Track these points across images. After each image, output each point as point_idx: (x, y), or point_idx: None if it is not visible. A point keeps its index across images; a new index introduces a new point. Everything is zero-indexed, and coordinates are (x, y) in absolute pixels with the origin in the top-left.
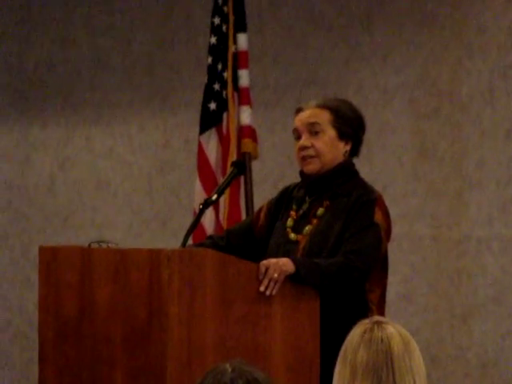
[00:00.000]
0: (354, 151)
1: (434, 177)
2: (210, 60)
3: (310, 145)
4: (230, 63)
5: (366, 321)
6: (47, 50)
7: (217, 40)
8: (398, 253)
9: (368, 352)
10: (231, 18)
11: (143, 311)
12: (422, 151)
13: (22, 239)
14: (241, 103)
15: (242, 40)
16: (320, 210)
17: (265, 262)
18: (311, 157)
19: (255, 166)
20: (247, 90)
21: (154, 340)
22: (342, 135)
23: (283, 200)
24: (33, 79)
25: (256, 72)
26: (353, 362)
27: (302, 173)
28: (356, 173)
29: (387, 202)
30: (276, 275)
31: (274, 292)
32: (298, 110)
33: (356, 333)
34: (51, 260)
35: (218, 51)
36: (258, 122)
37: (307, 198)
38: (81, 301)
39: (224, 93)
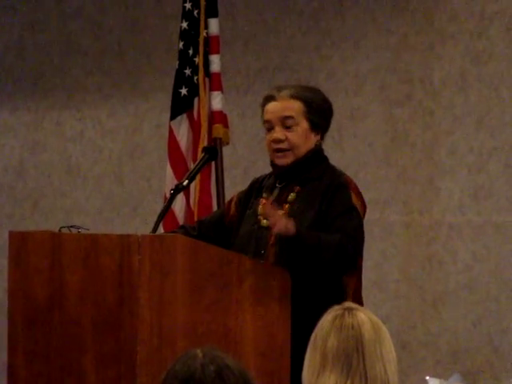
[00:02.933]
0: (322, 137)
1: (405, 163)
2: (181, 45)
3: (283, 138)
4: (201, 48)
5: (337, 307)
6: (17, 33)
7: (188, 25)
8: (368, 239)
9: (338, 338)
10: (202, 2)
11: (113, 297)
12: (394, 137)
13: None
14: (212, 88)
15: (214, 25)
16: (291, 196)
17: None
18: (285, 150)
19: (226, 151)
20: (218, 75)
21: (124, 325)
22: (315, 126)
23: (253, 190)
24: (2, 63)
25: (227, 57)
26: (323, 348)
27: (273, 164)
28: (325, 158)
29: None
30: (279, 224)
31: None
32: (269, 98)
33: (327, 319)
34: (21, 245)
35: (190, 36)
36: (230, 108)
37: (277, 185)
38: (51, 286)
39: (195, 78)
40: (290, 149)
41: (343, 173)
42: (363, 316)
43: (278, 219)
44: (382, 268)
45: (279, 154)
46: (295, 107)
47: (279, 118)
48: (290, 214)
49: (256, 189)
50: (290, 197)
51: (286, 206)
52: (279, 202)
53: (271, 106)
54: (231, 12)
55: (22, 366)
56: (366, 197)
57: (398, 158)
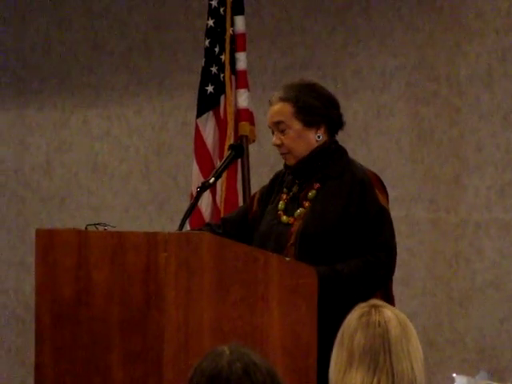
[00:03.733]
0: (333, 130)
1: (431, 160)
2: (207, 43)
3: (280, 143)
4: (227, 46)
5: (364, 304)
6: (44, 32)
7: (214, 22)
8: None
9: (365, 336)
10: (228, 0)
11: (140, 294)
12: (420, 135)
13: (18, 222)
14: (238, 86)
15: (240, 22)
16: (311, 193)
17: None
18: (285, 153)
19: (252, 148)
20: (245, 72)
21: (150, 323)
22: (309, 124)
23: (274, 185)
24: (29, 61)
25: (253, 55)
26: (350, 346)
27: (285, 163)
28: (343, 153)
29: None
30: None
31: None
32: (269, 103)
33: (353, 317)
34: (48, 243)
35: (216, 34)
36: (256, 105)
37: (296, 181)
38: (78, 284)
39: (221, 76)
40: (288, 152)
41: (364, 168)
42: (390, 313)
43: None
44: (408, 265)
45: (283, 157)
46: (284, 111)
47: (273, 124)
48: (313, 214)
49: (278, 183)
50: (310, 194)
51: (307, 203)
52: (299, 198)
53: (269, 110)
54: (257, 9)
55: (49, 363)
56: (392, 194)
57: (424, 155)
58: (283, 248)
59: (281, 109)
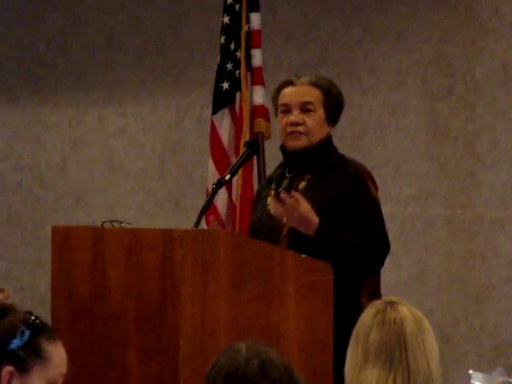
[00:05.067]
0: (332, 128)
1: (447, 157)
2: (222, 39)
3: (302, 121)
4: (242, 42)
5: (379, 301)
6: (59, 29)
7: (230, 19)
8: (411, 233)
9: (381, 333)
10: None
11: (156, 291)
12: (436, 132)
13: (33, 219)
14: (254, 83)
15: (255, 19)
16: (302, 184)
17: (305, 206)
18: (300, 133)
19: (268, 145)
20: (260, 69)
21: (166, 320)
22: (329, 116)
23: (263, 188)
24: (44, 59)
25: (269, 52)
26: (365, 343)
27: (283, 148)
28: (335, 148)
29: (400, 183)
30: (294, 217)
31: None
32: (287, 83)
33: (368, 314)
34: (64, 240)
35: (231, 30)
36: (271, 102)
37: (287, 175)
38: (93, 281)
39: (237, 72)
40: (306, 133)
41: (355, 161)
42: (405, 310)
43: (299, 215)
44: (424, 262)
45: (293, 136)
46: (315, 94)
47: (298, 103)
48: None
49: (267, 182)
50: (300, 185)
51: (297, 194)
52: (289, 191)
53: (289, 90)
54: (272, 6)
55: None
56: (408, 191)
57: (439, 152)
58: (276, 240)
59: (311, 92)
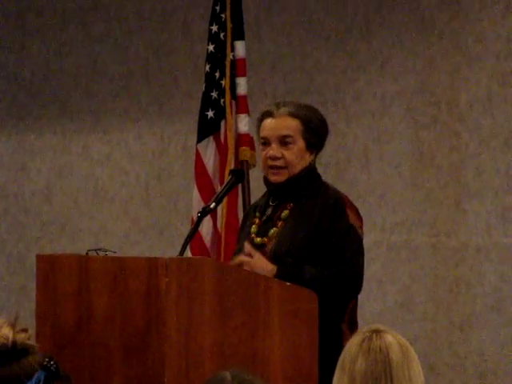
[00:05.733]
0: (315, 156)
1: (432, 185)
2: (207, 68)
3: (280, 155)
4: (227, 71)
5: (365, 328)
6: (44, 57)
7: (214, 48)
8: (396, 261)
9: (366, 361)
10: (229, 25)
11: (141, 320)
12: (420, 160)
13: (18, 247)
14: (238, 111)
15: (240, 47)
16: (285, 213)
17: (255, 259)
18: (280, 167)
19: (253, 173)
20: (245, 97)
21: (152, 348)
22: (310, 146)
23: (249, 214)
24: (29, 87)
25: (254, 80)
26: (351, 371)
27: (266, 180)
28: (318, 176)
29: (385, 211)
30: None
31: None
32: (267, 114)
33: (354, 342)
34: (49, 268)
35: (216, 59)
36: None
37: (271, 203)
38: (79, 309)
39: (222, 101)
40: (286, 166)
41: (337, 190)
42: (391, 338)
43: (253, 265)
44: (409, 290)
45: (274, 171)
46: (293, 126)
47: (276, 136)
48: (284, 231)
49: (252, 211)
50: (283, 214)
51: (280, 223)
52: (273, 220)
53: (268, 122)
54: (257, 35)
55: None
56: (393, 219)
57: (424, 180)
58: None
59: (290, 124)
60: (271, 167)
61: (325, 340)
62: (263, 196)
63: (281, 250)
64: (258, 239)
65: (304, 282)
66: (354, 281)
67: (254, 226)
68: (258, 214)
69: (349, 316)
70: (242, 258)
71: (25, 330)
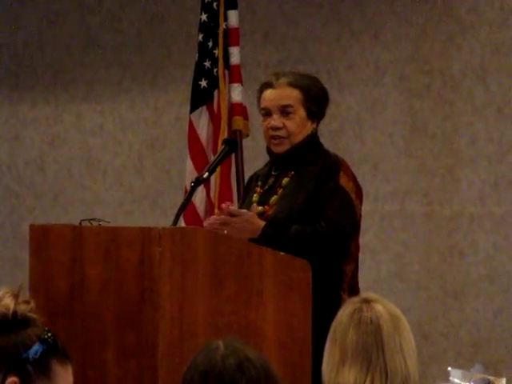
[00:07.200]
0: (317, 124)
1: (425, 154)
2: (200, 37)
3: (281, 125)
4: (220, 40)
5: (356, 299)
6: (36, 28)
7: (207, 17)
8: (389, 230)
9: (357, 333)
10: None
11: (134, 289)
12: (414, 128)
13: (11, 217)
14: (232, 81)
15: (233, 17)
16: (285, 180)
17: (243, 212)
18: (281, 137)
19: (246, 143)
20: (238, 67)
21: (145, 318)
22: (311, 114)
23: (250, 186)
24: (22, 57)
25: (247, 49)
26: (342, 343)
27: (269, 150)
28: (320, 144)
29: (379, 180)
30: (233, 229)
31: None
32: (267, 86)
33: (345, 313)
34: (42, 238)
35: (209, 28)
36: (249, 100)
37: (273, 173)
38: (72, 279)
39: (215, 70)
40: (287, 136)
41: (337, 155)
42: (381, 308)
43: (240, 221)
44: (402, 259)
45: (276, 142)
46: (293, 95)
47: (277, 106)
48: (284, 198)
49: (254, 181)
50: (283, 181)
51: (280, 190)
52: (274, 187)
53: (269, 93)
54: (250, 4)
55: None
56: (386, 188)
57: (417, 149)
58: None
59: (290, 93)
60: (273, 137)
61: (324, 308)
62: (265, 165)
63: (280, 216)
64: (260, 208)
65: (290, 237)
66: (336, 238)
67: (255, 195)
68: (259, 183)
69: (348, 284)
70: (219, 216)
71: (27, 302)
